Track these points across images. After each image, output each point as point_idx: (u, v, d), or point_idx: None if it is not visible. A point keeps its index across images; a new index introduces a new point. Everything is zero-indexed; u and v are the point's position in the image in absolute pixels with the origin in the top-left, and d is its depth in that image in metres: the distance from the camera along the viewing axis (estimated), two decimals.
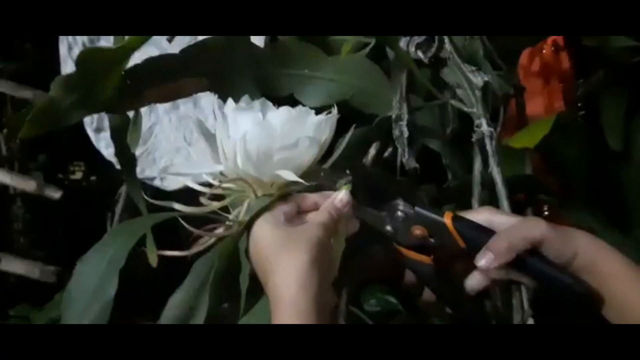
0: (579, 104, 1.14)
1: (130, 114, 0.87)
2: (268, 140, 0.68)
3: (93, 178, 2.19)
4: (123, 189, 1.10)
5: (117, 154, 0.88)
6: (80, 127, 1.40)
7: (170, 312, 0.75)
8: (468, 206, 0.82)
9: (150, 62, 0.81)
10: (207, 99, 1.26)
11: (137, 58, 0.80)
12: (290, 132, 0.68)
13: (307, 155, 0.69)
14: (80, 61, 0.76)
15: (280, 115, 0.71)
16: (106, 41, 1.22)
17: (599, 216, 0.92)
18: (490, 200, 0.81)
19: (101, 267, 0.77)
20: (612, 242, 0.90)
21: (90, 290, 0.77)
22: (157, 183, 1.30)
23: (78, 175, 2.32)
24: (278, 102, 0.76)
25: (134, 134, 0.88)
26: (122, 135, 0.86)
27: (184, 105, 1.31)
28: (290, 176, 0.68)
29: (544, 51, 1.12)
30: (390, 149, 1.01)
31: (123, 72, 0.79)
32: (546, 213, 1.04)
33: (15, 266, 1.35)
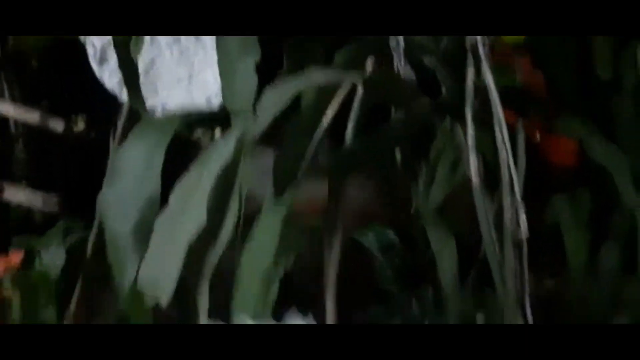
0: None
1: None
2: None
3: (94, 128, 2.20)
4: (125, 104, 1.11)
5: (120, 64, 0.90)
6: (83, 74, 1.41)
7: None
8: (462, 117, 0.85)
9: None
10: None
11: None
12: None
13: None
14: None
15: None
16: None
17: (590, 126, 0.93)
18: (482, 109, 0.84)
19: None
20: (605, 152, 0.91)
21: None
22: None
23: (80, 126, 2.33)
24: None
25: (136, 43, 0.91)
26: (125, 46, 0.89)
27: (186, 39, 1.33)
28: None
29: None
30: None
31: None
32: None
33: (18, 196, 1.37)
